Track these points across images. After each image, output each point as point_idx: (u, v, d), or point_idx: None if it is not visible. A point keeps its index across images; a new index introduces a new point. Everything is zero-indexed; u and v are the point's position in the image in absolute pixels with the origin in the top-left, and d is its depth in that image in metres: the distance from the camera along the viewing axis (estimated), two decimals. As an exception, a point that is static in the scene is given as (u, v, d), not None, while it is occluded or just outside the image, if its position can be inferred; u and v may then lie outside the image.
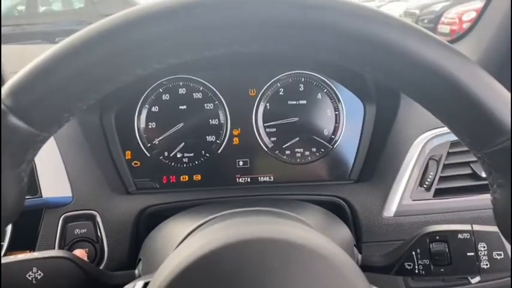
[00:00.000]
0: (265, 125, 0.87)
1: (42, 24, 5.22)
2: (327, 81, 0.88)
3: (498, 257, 0.55)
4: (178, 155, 0.86)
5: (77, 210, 0.73)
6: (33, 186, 0.71)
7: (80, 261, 0.53)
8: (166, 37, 0.29)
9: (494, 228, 0.55)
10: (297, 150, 0.88)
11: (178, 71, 0.86)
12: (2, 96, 0.29)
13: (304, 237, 0.38)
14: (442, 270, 0.56)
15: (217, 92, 0.86)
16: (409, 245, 0.58)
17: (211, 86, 0.86)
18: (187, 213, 0.67)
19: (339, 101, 0.88)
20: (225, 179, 0.87)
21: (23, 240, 0.71)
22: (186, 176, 0.87)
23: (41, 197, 0.71)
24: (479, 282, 0.63)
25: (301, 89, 0.88)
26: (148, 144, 0.86)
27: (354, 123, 0.88)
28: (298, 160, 0.88)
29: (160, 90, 0.86)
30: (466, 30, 0.93)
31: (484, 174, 0.76)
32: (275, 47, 0.31)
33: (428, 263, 0.56)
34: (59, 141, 0.76)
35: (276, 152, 0.88)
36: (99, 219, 0.74)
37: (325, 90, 0.88)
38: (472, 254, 0.55)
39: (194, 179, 0.87)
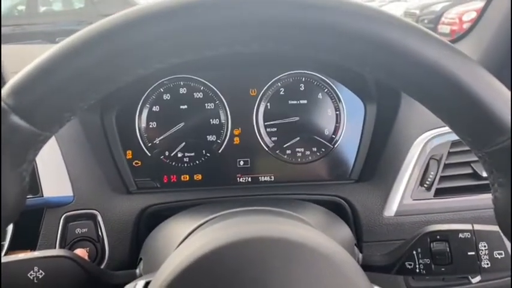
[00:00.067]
0: (265, 124, 0.87)
1: (43, 24, 5.21)
2: (327, 81, 0.88)
3: (499, 257, 0.55)
4: (179, 155, 0.86)
5: (78, 210, 0.73)
6: (34, 186, 0.71)
7: (82, 260, 0.53)
8: (167, 37, 0.29)
9: (495, 228, 0.55)
10: (297, 149, 0.88)
11: (179, 71, 0.86)
12: (3, 96, 0.29)
13: (305, 236, 0.39)
14: (443, 269, 0.56)
15: (218, 91, 0.86)
16: (410, 245, 0.58)
17: (212, 86, 0.86)
18: (188, 213, 0.67)
19: (339, 100, 0.88)
20: (226, 179, 0.88)
21: (24, 240, 0.71)
22: (187, 176, 0.87)
23: (42, 196, 0.72)
24: (480, 281, 0.63)
25: (302, 88, 0.88)
26: (149, 144, 0.86)
27: (354, 123, 0.88)
28: (299, 160, 0.88)
29: (161, 90, 0.86)
30: (466, 31, 0.93)
31: (484, 174, 0.77)
32: (275, 47, 0.31)
33: (429, 262, 0.57)
34: (60, 141, 0.76)
35: (277, 151, 0.88)
36: (100, 218, 0.74)
37: (326, 90, 0.88)
38: (473, 253, 0.55)
39: (195, 178, 0.87)
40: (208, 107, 0.87)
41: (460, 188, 0.80)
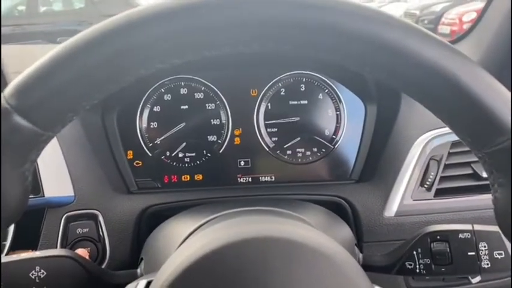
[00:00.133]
0: (266, 124, 0.87)
1: (43, 24, 5.20)
2: (328, 81, 0.88)
3: (499, 257, 0.55)
4: (180, 155, 0.86)
5: (79, 210, 0.73)
6: (35, 186, 0.72)
7: (83, 260, 0.53)
8: (168, 38, 0.29)
9: (495, 228, 0.55)
10: (298, 150, 0.88)
11: (180, 71, 0.86)
12: (6, 96, 0.29)
13: (305, 236, 0.39)
14: (443, 269, 0.56)
15: (218, 92, 0.87)
16: (410, 245, 0.58)
17: (212, 86, 0.87)
18: (189, 213, 0.67)
19: (340, 101, 0.88)
20: (227, 179, 0.88)
21: (25, 240, 0.71)
22: (188, 176, 0.87)
23: (43, 196, 0.72)
24: (480, 281, 0.63)
25: (302, 89, 0.88)
26: (150, 144, 0.86)
27: (355, 123, 0.88)
28: (300, 160, 0.88)
29: (162, 90, 0.86)
30: (467, 31, 0.93)
31: (484, 174, 0.77)
32: (276, 47, 0.31)
33: (429, 262, 0.57)
34: (61, 141, 0.76)
35: (277, 151, 0.88)
36: (101, 218, 0.74)
37: (326, 91, 0.88)
38: (473, 253, 0.55)
39: (196, 178, 0.87)
40: (209, 107, 0.87)
41: (460, 188, 0.80)
